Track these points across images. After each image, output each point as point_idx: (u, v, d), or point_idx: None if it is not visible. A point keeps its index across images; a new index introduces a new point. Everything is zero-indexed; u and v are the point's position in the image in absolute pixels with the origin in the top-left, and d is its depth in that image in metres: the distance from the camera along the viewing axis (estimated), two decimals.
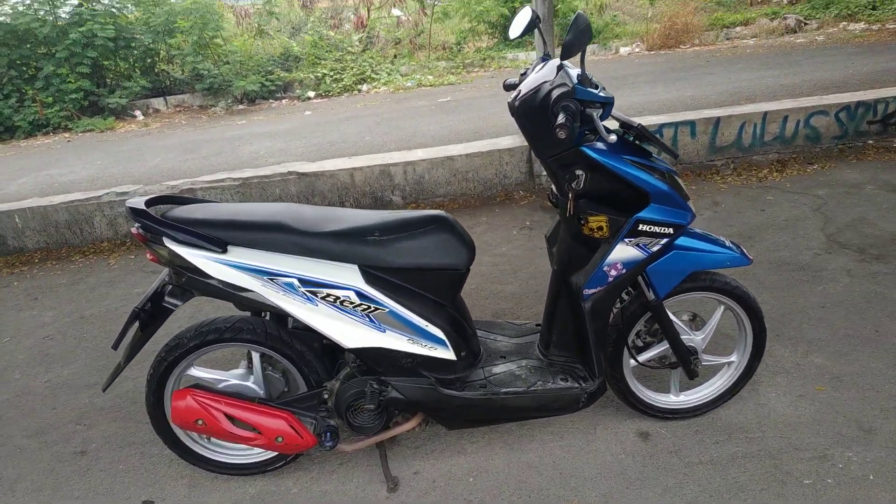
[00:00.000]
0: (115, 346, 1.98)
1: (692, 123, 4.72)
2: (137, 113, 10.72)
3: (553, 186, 2.06)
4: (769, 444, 2.17)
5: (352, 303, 1.87)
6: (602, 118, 1.79)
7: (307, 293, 1.85)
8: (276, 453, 2.19)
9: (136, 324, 1.96)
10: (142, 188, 4.70)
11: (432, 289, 1.97)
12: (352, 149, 6.57)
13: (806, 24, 12.15)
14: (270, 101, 11.12)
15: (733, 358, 2.30)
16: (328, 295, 1.85)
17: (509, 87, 2.25)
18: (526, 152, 4.72)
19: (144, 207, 1.85)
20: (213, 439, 2.21)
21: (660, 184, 1.85)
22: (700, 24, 12.00)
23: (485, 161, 4.72)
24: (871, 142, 4.90)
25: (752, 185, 4.51)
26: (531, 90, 1.83)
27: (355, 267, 1.88)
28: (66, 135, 9.78)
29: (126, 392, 2.80)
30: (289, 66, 11.78)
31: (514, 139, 4.88)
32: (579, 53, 1.75)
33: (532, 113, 1.83)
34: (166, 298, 1.94)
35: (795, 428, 2.23)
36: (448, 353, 1.99)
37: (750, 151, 4.86)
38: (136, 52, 10.98)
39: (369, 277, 1.88)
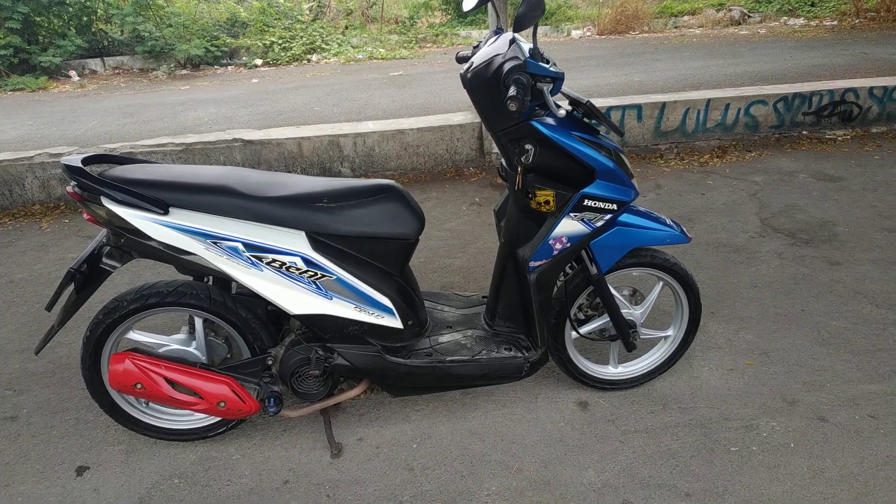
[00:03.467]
0: (49, 308, 1.91)
1: (639, 107, 4.83)
2: (72, 73, 10.19)
3: (503, 160, 2.08)
4: (700, 414, 2.28)
5: (298, 269, 1.85)
6: (552, 93, 1.81)
7: (252, 258, 1.82)
8: (217, 419, 2.16)
9: (72, 286, 1.89)
10: (77, 150, 4.49)
11: (381, 258, 1.97)
12: (300, 119, 6.44)
13: (749, 16, 12.53)
14: (215, 67, 10.75)
15: (670, 332, 2.39)
16: (273, 260, 1.83)
17: (462, 60, 2.25)
18: (477, 129, 4.73)
19: (81, 165, 1.77)
20: (151, 404, 2.16)
21: (606, 160, 1.89)
22: (650, 11, 12.21)
23: (436, 136, 4.71)
24: (805, 132, 5.12)
25: (693, 170, 4.66)
26: (483, 62, 1.84)
27: (302, 233, 1.86)
28: None
29: (59, 357, 2.70)
30: (235, 32, 11.40)
31: (465, 115, 4.88)
32: (531, 28, 1.76)
33: (484, 85, 1.83)
34: (104, 260, 1.88)
35: (725, 399, 2.34)
36: (395, 322, 2.00)
37: (693, 137, 5.01)
38: (71, 8, 10.38)
39: (316, 244, 1.87)
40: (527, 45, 1.83)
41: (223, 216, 1.80)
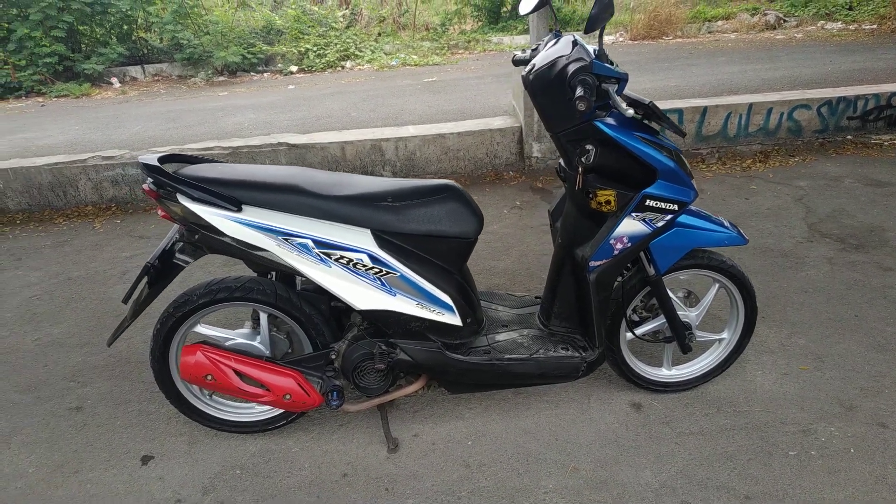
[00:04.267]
0: (125, 301, 1.98)
1: (680, 111, 4.81)
2: (114, 80, 10.46)
3: (562, 161, 2.11)
4: (756, 417, 2.26)
5: (364, 265, 1.89)
6: (616, 94, 1.83)
7: (321, 254, 1.87)
8: (278, 412, 2.22)
9: (145, 280, 1.96)
10: (128, 153, 4.62)
11: (441, 256, 2.00)
12: (338, 124, 6.53)
13: (785, 21, 12.36)
14: (252, 74, 10.94)
15: (724, 335, 2.38)
16: (342, 257, 1.88)
17: (519, 63, 2.28)
18: (517, 133, 4.75)
19: (158, 164, 1.84)
20: (215, 396, 2.23)
21: (667, 160, 1.91)
22: (683, 16, 12.12)
23: (476, 140, 4.75)
24: (849, 137, 5.04)
25: (736, 175, 4.62)
26: (546, 64, 1.86)
27: (368, 231, 1.90)
28: (40, 99, 9.51)
29: (119, 352, 2.78)
30: (271, 40, 11.60)
31: (505, 120, 4.91)
32: (599, 30, 1.79)
33: (547, 86, 1.86)
34: (177, 255, 1.94)
35: (780, 403, 2.32)
36: (455, 319, 2.03)
37: (735, 141, 4.97)
38: (112, 17, 10.67)
39: (381, 242, 1.91)
40: (591, 47, 1.85)
41: (293, 214, 1.85)
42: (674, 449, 2.15)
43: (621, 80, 1.80)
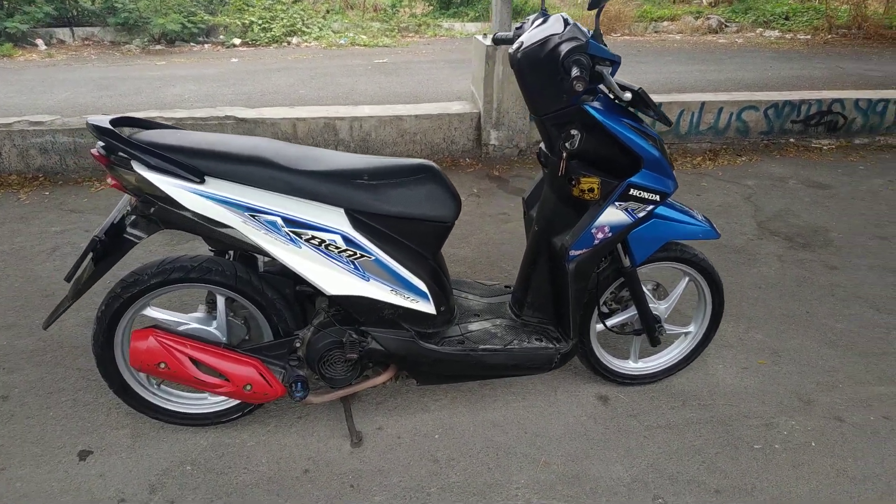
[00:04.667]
0: (68, 279, 1.79)
1: None
2: (39, 42, 9.76)
3: (543, 145, 2.04)
4: (720, 411, 2.28)
5: (337, 247, 1.77)
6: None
7: (291, 234, 1.73)
8: (234, 404, 2.07)
9: (90, 256, 1.77)
10: (60, 119, 4.27)
11: (417, 240, 1.90)
12: (285, 100, 6.29)
13: (726, 25, 12.76)
14: (191, 44, 10.43)
15: (691, 328, 2.38)
16: (313, 237, 1.75)
17: (500, 42, 2.20)
18: (476, 119, 4.67)
19: (111, 127, 1.66)
20: (164, 385, 2.06)
21: (653, 149, 1.87)
22: (631, 14, 12.33)
23: (434, 124, 4.64)
24: (792, 140, 5.22)
25: (687, 171, 4.70)
26: (537, 42, 1.79)
27: (341, 210, 1.78)
28: None
29: (50, 335, 2.55)
30: (213, 9, 11.10)
31: (463, 105, 4.82)
32: (595, 10, 1.72)
33: (536, 65, 1.79)
34: (128, 230, 1.76)
35: (742, 397, 2.35)
36: (429, 307, 1.93)
37: (685, 139, 5.05)
38: None
39: (356, 223, 1.79)
40: (584, 28, 1.79)
41: (261, 189, 1.71)
42: (643, 442, 2.13)
43: (615, 62, 1.75)
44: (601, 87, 1.84)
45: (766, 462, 2.05)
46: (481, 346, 2.01)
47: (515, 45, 1.86)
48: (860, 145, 5.26)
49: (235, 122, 4.37)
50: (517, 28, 2.06)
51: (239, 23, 10.68)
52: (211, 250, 2.03)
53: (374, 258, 1.81)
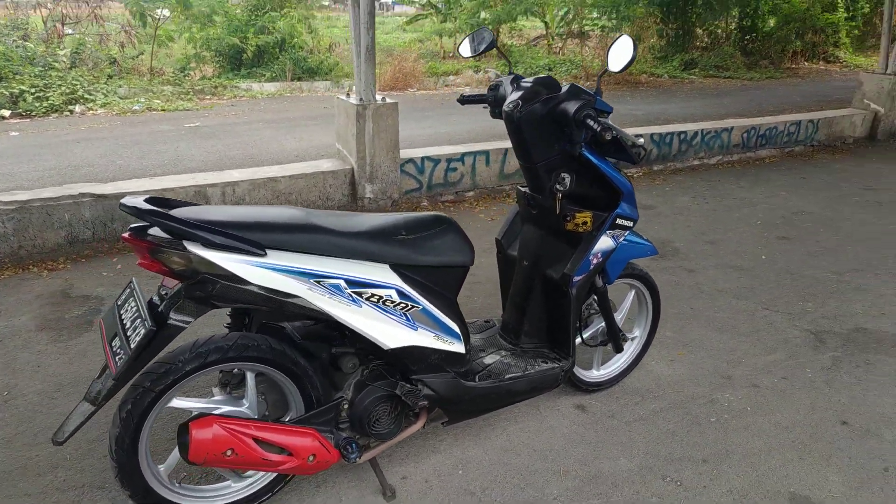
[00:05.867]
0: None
1: (487, 153, 5.36)
2: None
3: (527, 189, 2.29)
4: (671, 398, 2.69)
5: (393, 302, 1.84)
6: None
7: (353, 294, 1.76)
8: (261, 486, 1.96)
9: (128, 353, 1.61)
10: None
11: (446, 286, 2.03)
12: (106, 174, 5.77)
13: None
14: None
15: (636, 333, 2.78)
16: (373, 295, 1.80)
17: (468, 101, 2.43)
18: (349, 175, 4.80)
19: (155, 207, 1.57)
20: (184, 484, 1.90)
21: (628, 183, 2.23)
22: (422, 70, 13.28)
23: (308, 183, 4.67)
24: None
25: None
26: (537, 101, 2.05)
27: (387, 266, 1.85)
28: None
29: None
30: None
31: (333, 162, 4.92)
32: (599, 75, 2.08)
33: (537, 121, 2.06)
34: (172, 317, 1.64)
35: (682, 384, 2.79)
36: (461, 347, 2.06)
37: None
38: None
39: (402, 276, 1.88)
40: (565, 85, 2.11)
41: (317, 255, 1.73)
42: (630, 436, 2.44)
43: (609, 113, 2.08)
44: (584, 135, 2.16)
45: (725, 430, 2.49)
46: (507, 377, 2.18)
47: (510, 105, 2.09)
48: (658, 171, 6.36)
49: (94, 199, 3.98)
50: (490, 88, 2.32)
51: (6, 92, 9.44)
52: (227, 326, 1.95)
53: (420, 308, 1.90)
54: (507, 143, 5.40)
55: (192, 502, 1.89)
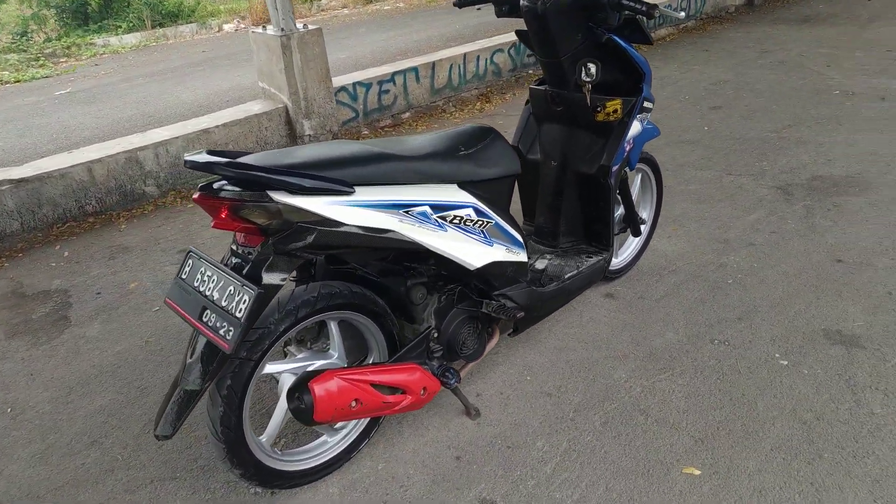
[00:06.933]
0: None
1: (416, 69, 5.17)
2: None
3: (547, 87, 2.23)
4: (686, 269, 2.83)
5: (472, 220, 1.78)
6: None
7: (438, 219, 1.68)
8: (356, 435, 1.91)
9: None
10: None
11: (503, 196, 1.98)
12: (13, 155, 5.12)
13: None
14: None
15: (644, 215, 2.86)
16: (455, 217, 1.73)
17: (466, 3, 2.31)
18: (283, 114, 4.49)
19: (230, 158, 1.40)
20: (283, 451, 1.81)
21: (646, 63, 2.22)
22: None
23: (244, 129, 4.34)
24: (531, 71, 6.13)
25: (478, 116, 5.23)
26: None
27: (455, 185, 1.78)
28: None
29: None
30: None
31: (264, 103, 4.58)
32: None
33: (565, 12, 1.98)
34: (266, 276, 1.49)
35: (686, 256, 2.93)
36: (524, 256, 2.04)
37: (459, 90, 5.57)
38: None
39: (471, 194, 1.81)
40: None
41: (396, 184, 1.62)
42: (667, 312, 2.56)
43: None
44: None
45: (745, 287, 2.66)
46: (566, 276, 2.19)
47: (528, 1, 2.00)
48: None
49: (13, 185, 3.51)
50: None
51: None
52: (294, 279, 1.82)
53: (493, 223, 1.85)
54: (433, 57, 5.26)
55: (298, 466, 1.81)
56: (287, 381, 1.72)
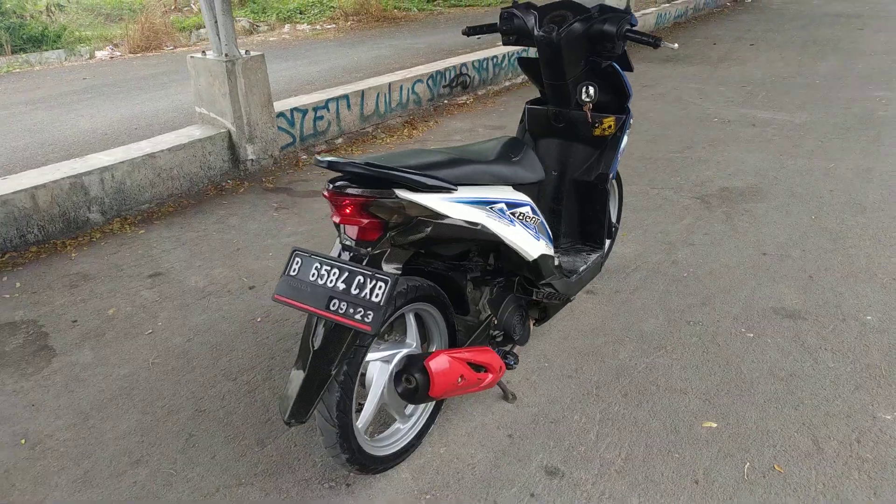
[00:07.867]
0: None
1: (347, 97, 5.34)
2: None
3: (550, 106, 2.54)
4: (646, 268, 3.25)
5: (529, 217, 2.02)
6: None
7: (510, 215, 1.91)
8: (426, 418, 2.07)
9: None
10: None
11: (536, 198, 2.24)
12: None
13: (258, 26, 13.62)
14: None
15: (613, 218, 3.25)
16: (520, 214, 1.96)
17: (475, 32, 2.58)
18: (226, 139, 4.47)
19: (357, 161, 1.56)
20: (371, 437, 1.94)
21: (631, 87, 2.61)
22: (169, 26, 12.01)
23: (188, 154, 4.26)
24: (446, 101, 6.50)
25: (406, 142, 5.47)
26: (571, 23, 2.28)
27: (510, 187, 2.02)
28: None
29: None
30: None
31: (205, 129, 4.52)
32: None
33: (576, 41, 2.31)
34: (384, 266, 1.64)
35: (643, 256, 3.36)
36: (552, 250, 2.31)
37: (385, 117, 5.80)
38: None
39: (524, 194, 2.06)
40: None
41: (479, 185, 1.84)
42: (643, 303, 2.94)
43: (635, 25, 2.39)
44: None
45: (699, 278, 3.12)
46: (581, 270, 2.49)
47: (547, 30, 2.30)
48: (483, 95, 6.89)
49: None
50: (504, 18, 2.47)
51: None
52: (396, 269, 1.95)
53: (540, 220, 2.11)
54: (361, 86, 5.47)
55: (384, 451, 1.93)
56: (375, 370, 1.85)
